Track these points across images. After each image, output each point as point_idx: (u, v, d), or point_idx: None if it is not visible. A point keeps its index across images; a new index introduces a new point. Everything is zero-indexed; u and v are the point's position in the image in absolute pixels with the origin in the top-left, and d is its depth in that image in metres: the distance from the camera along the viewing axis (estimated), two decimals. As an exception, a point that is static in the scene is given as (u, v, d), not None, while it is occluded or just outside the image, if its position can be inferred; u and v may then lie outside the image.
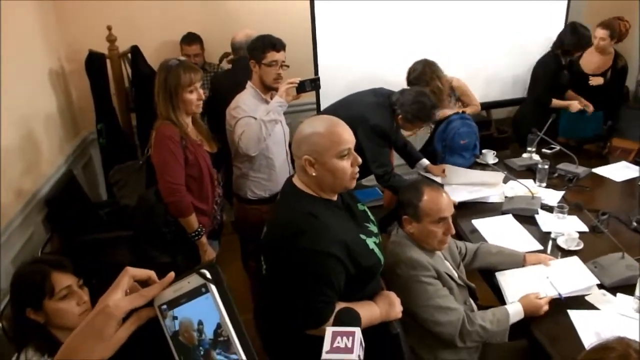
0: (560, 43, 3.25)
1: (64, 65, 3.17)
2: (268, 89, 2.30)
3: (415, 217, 1.71)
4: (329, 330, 0.96)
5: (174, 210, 2.04)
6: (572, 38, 3.18)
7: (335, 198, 1.49)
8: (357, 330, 0.96)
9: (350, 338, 0.95)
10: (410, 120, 2.52)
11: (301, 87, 2.19)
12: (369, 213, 1.62)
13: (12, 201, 2.29)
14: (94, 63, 2.97)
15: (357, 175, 1.46)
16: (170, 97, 1.98)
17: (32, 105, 2.67)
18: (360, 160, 1.44)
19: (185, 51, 3.27)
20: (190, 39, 3.26)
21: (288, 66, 2.31)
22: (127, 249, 2.67)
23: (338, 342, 0.94)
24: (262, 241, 1.52)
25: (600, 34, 3.35)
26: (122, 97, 3.15)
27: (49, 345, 1.40)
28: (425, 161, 2.84)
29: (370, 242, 1.47)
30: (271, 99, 2.28)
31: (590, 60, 3.43)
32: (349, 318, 1.08)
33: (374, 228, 1.56)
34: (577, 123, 3.33)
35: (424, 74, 2.77)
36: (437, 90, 2.77)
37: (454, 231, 1.72)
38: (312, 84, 2.20)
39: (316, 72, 3.23)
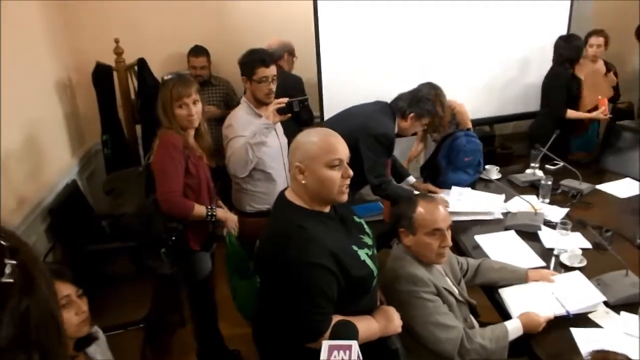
0: (560, 56, 3.29)
1: (72, 76, 3.22)
2: (261, 103, 2.29)
3: (410, 229, 1.70)
4: (326, 344, 0.95)
5: (175, 215, 2.04)
6: (571, 47, 3.24)
7: (327, 210, 1.49)
8: (354, 344, 0.95)
9: (347, 352, 0.94)
10: (420, 117, 2.57)
11: (289, 108, 2.17)
12: (365, 226, 1.62)
13: (15, 209, 2.30)
14: (101, 75, 3.02)
15: (347, 189, 1.46)
16: (165, 111, 2.02)
17: (39, 114, 2.71)
18: (351, 172, 1.44)
19: (191, 63, 3.31)
20: (197, 51, 3.30)
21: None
22: (128, 260, 2.69)
23: (334, 356, 0.94)
24: (255, 256, 1.52)
25: (597, 41, 3.39)
26: (128, 109, 3.18)
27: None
28: (412, 179, 2.86)
29: (362, 254, 1.47)
30: None
31: (584, 70, 3.44)
32: (346, 331, 1.07)
33: (368, 240, 1.55)
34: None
35: (427, 97, 2.66)
36: (437, 118, 2.76)
37: (450, 243, 1.70)
38: (300, 105, 2.18)
39: (320, 85, 3.26)
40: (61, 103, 3.02)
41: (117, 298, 2.50)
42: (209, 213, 2.10)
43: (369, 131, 2.50)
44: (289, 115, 2.20)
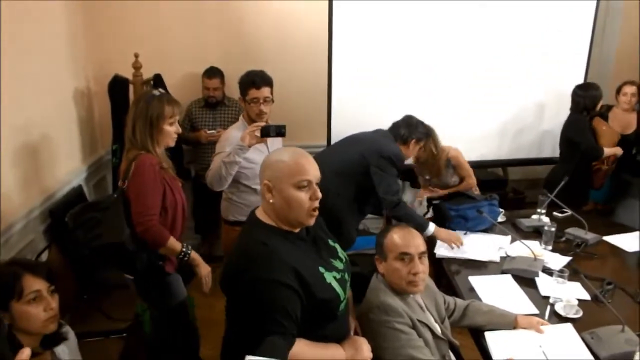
0: (577, 105, 3.27)
1: (91, 86, 3.34)
2: (255, 123, 2.34)
3: (381, 255, 1.68)
4: (247, 359, 0.92)
5: (148, 242, 1.94)
6: (588, 95, 3.23)
7: (297, 230, 1.47)
8: None
9: None
10: (419, 141, 2.67)
11: (265, 132, 2.19)
12: (339, 250, 1.59)
13: (18, 206, 2.35)
14: (117, 86, 3.12)
15: (316, 212, 1.43)
16: (151, 126, 1.94)
17: (55, 117, 2.81)
18: (319, 194, 1.42)
19: (205, 84, 3.41)
20: (211, 72, 3.40)
21: (273, 101, 2.39)
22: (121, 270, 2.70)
23: None
24: (221, 273, 1.50)
25: (630, 90, 3.34)
26: (140, 121, 3.27)
27: (9, 348, 1.39)
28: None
29: (329, 276, 1.43)
30: None
31: (618, 120, 3.40)
32: (270, 349, 1.03)
33: (339, 264, 1.52)
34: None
35: (420, 121, 2.75)
36: (430, 155, 2.79)
37: (419, 270, 1.63)
38: (277, 130, 2.20)
39: (329, 109, 3.35)
40: (77, 110, 3.13)
41: (105, 305, 2.50)
42: (183, 250, 2.00)
43: (380, 153, 2.54)
44: (264, 139, 2.23)
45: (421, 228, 2.46)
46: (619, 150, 3.28)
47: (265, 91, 2.33)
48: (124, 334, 2.36)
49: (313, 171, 1.42)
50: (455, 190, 3.07)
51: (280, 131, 2.20)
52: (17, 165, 2.36)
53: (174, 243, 1.99)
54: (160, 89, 2.06)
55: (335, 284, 1.43)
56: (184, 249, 2.02)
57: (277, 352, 1.02)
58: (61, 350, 1.54)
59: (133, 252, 1.93)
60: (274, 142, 2.39)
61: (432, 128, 2.79)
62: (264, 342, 1.11)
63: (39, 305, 1.42)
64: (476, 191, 3.18)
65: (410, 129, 2.65)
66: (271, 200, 1.41)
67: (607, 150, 3.24)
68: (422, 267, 1.63)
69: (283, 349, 1.07)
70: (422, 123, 2.70)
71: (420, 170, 3.15)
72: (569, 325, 1.85)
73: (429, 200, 3.17)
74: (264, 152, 2.31)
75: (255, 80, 2.31)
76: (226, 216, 2.48)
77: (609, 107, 3.53)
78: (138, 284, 2.16)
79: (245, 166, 2.31)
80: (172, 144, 2.04)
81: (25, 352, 1.09)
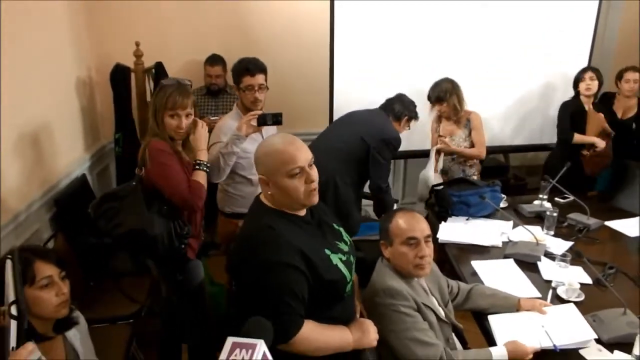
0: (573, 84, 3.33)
1: (93, 75, 3.34)
2: (249, 111, 2.32)
3: (387, 240, 1.69)
4: (229, 341, 0.91)
5: (195, 204, 1.98)
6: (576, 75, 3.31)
7: (302, 214, 1.49)
8: (260, 343, 0.90)
9: (250, 351, 0.89)
10: (410, 119, 2.79)
11: (262, 120, 2.17)
12: (344, 234, 1.61)
13: (22, 196, 2.36)
14: (119, 75, 3.12)
15: (316, 192, 1.44)
16: (155, 115, 1.95)
17: (57, 107, 2.81)
18: (315, 177, 1.42)
19: (207, 71, 3.40)
20: (213, 60, 3.39)
21: (267, 88, 2.34)
22: (127, 256, 2.71)
23: (236, 355, 0.89)
24: (228, 257, 1.52)
25: (632, 76, 3.34)
26: (142, 110, 3.26)
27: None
28: None
29: (335, 258, 1.45)
30: None
31: (621, 105, 3.43)
32: (255, 329, 1.02)
33: (344, 247, 1.54)
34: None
35: (445, 89, 2.93)
36: (453, 107, 2.95)
37: (426, 253, 1.65)
38: (274, 119, 2.18)
39: (331, 97, 3.35)
40: (79, 100, 3.13)
41: (113, 291, 2.52)
42: (200, 168, 2.01)
43: (382, 137, 2.57)
44: (260, 128, 2.21)
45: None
46: (593, 139, 3.20)
47: (259, 78, 2.29)
48: (131, 320, 2.39)
49: (303, 156, 1.41)
50: (463, 154, 3.14)
51: (277, 119, 2.19)
52: (21, 155, 2.37)
53: (200, 177, 2.00)
54: (187, 80, 2.02)
55: (341, 266, 1.45)
56: (200, 167, 2.02)
57: (263, 332, 1.02)
58: (72, 334, 1.57)
59: (153, 237, 1.94)
60: (268, 131, 2.36)
61: (458, 84, 2.96)
62: (247, 322, 1.10)
63: (50, 290, 1.44)
64: (477, 173, 3.24)
65: (404, 106, 2.72)
66: (269, 192, 1.43)
67: (577, 137, 3.20)
68: (428, 250, 1.66)
69: (269, 328, 1.07)
70: (413, 103, 2.79)
71: (435, 126, 3.19)
72: (571, 305, 1.87)
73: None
74: (258, 141, 2.28)
75: (249, 67, 2.27)
76: (222, 208, 2.47)
77: (612, 94, 3.52)
78: (160, 268, 2.19)
79: (241, 156, 2.29)
80: (176, 137, 1.99)
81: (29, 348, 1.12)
